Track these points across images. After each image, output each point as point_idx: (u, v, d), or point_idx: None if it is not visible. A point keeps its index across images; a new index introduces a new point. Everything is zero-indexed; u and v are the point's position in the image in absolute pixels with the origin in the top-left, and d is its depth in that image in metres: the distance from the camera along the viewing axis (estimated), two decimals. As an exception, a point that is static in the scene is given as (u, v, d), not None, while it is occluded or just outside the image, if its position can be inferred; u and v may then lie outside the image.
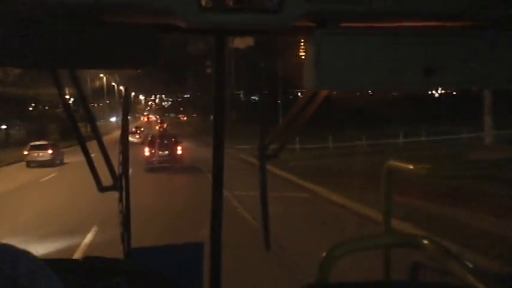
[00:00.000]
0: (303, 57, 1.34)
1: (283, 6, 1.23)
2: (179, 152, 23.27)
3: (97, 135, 1.99)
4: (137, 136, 42.76)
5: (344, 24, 1.33)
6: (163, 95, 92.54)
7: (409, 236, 1.70)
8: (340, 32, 1.29)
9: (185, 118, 70.71)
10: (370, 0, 1.26)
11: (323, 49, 1.25)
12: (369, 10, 1.27)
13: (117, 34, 1.27)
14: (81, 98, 1.87)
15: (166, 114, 74.51)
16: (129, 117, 2.05)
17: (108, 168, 1.93)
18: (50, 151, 30.75)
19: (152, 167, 22.71)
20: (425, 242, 1.68)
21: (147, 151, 23.59)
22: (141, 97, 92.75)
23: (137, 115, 70.36)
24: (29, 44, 1.22)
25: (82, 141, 1.93)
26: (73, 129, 1.87)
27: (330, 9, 1.26)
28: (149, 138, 24.91)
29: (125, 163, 1.99)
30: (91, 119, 1.95)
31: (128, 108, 2.07)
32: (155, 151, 23.38)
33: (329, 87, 1.33)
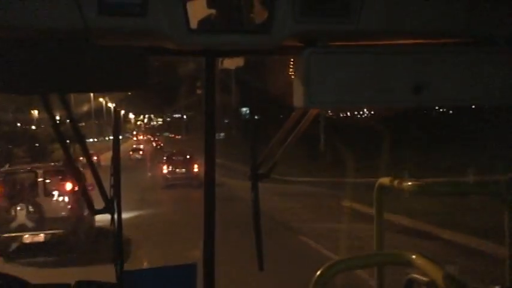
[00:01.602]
0: (292, 76, 1.35)
1: (271, 27, 1.24)
2: (196, 169, 23.34)
3: (88, 157, 1.97)
4: (140, 153, 44.86)
5: (332, 43, 1.34)
6: (152, 115, 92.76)
7: (401, 254, 1.69)
8: (328, 51, 1.30)
9: (178, 137, 71.23)
10: (358, 20, 1.28)
11: (312, 68, 1.25)
12: (356, 29, 1.29)
13: (107, 57, 1.27)
14: (71, 121, 1.86)
15: (158, 134, 74.55)
16: (120, 137, 2.04)
17: (100, 190, 1.91)
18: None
19: (170, 184, 22.93)
20: (417, 258, 1.68)
21: (165, 169, 23.79)
22: (131, 116, 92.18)
23: (127, 134, 69.63)
24: (19, 69, 1.22)
25: (73, 166, 1.91)
26: (65, 154, 1.86)
27: (318, 29, 1.28)
28: (166, 156, 25.07)
29: (116, 186, 1.97)
30: (82, 142, 1.94)
31: (118, 129, 2.06)
32: (173, 169, 23.74)
33: (319, 105, 1.34)
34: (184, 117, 72.40)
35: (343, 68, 1.28)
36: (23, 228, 10.38)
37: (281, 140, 2.10)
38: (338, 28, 1.28)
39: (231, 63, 1.87)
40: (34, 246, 10.48)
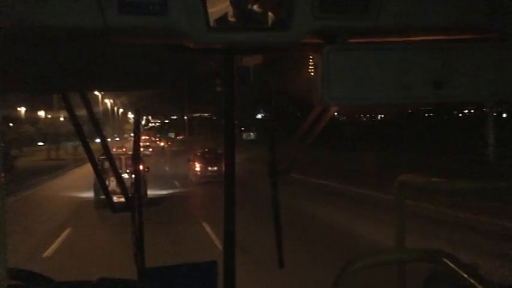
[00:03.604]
0: (312, 73, 1.35)
1: (291, 24, 1.24)
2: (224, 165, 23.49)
3: (108, 155, 2.00)
4: (150, 149, 47.63)
5: (352, 40, 1.34)
6: (149, 117, 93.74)
7: (425, 250, 1.68)
8: (348, 47, 1.30)
9: (180, 137, 72.07)
10: (377, 16, 1.27)
11: (331, 65, 1.25)
12: (376, 25, 1.28)
13: (128, 56, 1.29)
14: (93, 120, 1.88)
15: (158, 135, 74.85)
16: (117, 139, 2.06)
17: (121, 188, 1.94)
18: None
19: (203, 181, 23.44)
20: (442, 255, 1.66)
21: (197, 167, 24.45)
22: (130, 115, 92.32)
23: (125, 135, 68.97)
24: (40, 68, 1.24)
25: (94, 163, 1.94)
26: (86, 152, 1.88)
27: (337, 25, 1.27)
28: (198, 154, 25.49)
29: (137, 183, 1.99)
30: (102, 140, 1.97)
31: (138, 132, 2.08)
32: (205, 166, 24.26)
33: (338, 103, 1.34)
34: (185, 118, 72.90)
35: (363, 65, 1.27)
36: (113, 193, 12.14)
37: (300, 137, 2.10)
38: (357, 24, 1.28)
39: (249, 61, 1.88)
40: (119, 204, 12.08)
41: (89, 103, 1.73)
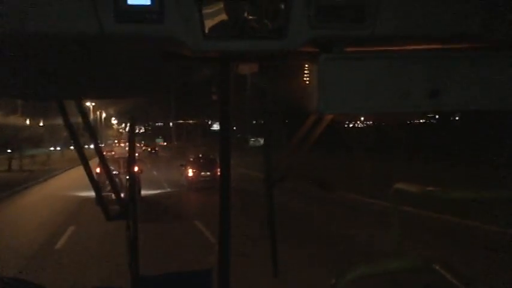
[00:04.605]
0: (307, 82, 1.35)
1: (287, 32, 1.24)
2: (219, 173, 23.13)
3: (104, 161, 1.99)
4: (136, 155, 46.63)
5: (348, 49, 1.34)
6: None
7: (421, 260, 1.67)
8: (344, 56, 1.30)
9: (164, 144, 72.30)
10: (373, 25, 1.27)
11: (327, 74, 1.25)
12: (372, 34, 1.28)
13: (123, 63, 1.28)
14: (88, 127, 1.87)
15: (142, 142, 74.74)
16: (102, 145, 2.06)
17: (115, 195, 1.93)
18: None
19: (195, 187, 23.20)
20: (438, 266, 1.66)
21: (190, 172, 23.95)
22: (114, 121, 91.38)
23: (109, 141, 67.60)
24: (35, 76, 1.23)
25: (89, 172, 1.93)
26: (81, 159, 1.88)
27: (333, 34, 1.27)
28: (191, 159, 25.29)
29: (132, 192, 1.99)
30: (98, 149, 1.96)
31: (133, 138, 2.08)
32: (198, 172, 23.82)
33: (333, 111, 1.34)
34: (171, 124, 73.13)
35: (359, 74, 1.27)
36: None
37: (295, 146, 2.10)
38: (353, 34, 1.28)
39: (245, 69, 1.88)
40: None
41: (84, 111, 1.73)
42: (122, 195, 2.11)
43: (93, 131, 2.00)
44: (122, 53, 1.28)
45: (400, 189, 1.99)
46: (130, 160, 2.06)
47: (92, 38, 1.19)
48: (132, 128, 2.19)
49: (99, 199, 1.98)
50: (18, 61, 1.23)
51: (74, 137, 1.85)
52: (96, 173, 2.40)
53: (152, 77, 1.30)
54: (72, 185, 23.75)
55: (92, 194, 2.22)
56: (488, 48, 1.36)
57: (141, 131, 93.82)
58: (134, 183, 2.02)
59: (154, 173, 32.13)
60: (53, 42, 1.20)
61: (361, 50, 1.35)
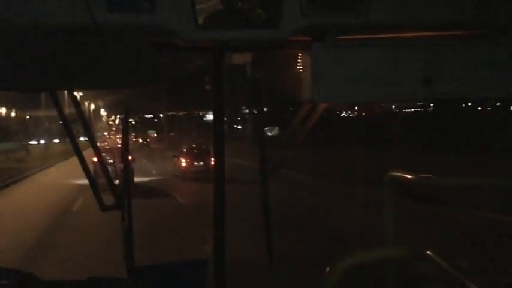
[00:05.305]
0: (301, 70, 1.35)
1: (279, 21, 1.24)
2: (213, 162, 22.95)
3: (98, 153, 1.98)
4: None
5: (341, 37, 1.34)
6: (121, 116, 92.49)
7: (414, 248, 1.69)
8: (337, 44, 1.30)
9: (155, 135, 72.33)
10: (366, 13, 1.27)
11: (320, 62, 1.25)
12: (365, 22, 1.28)
13: (116, 54, 1.28)
14: (81, 118, 1.86)
15: (133, 134, 74.22)
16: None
17: (110, 186, 1.92)
18: None
19: (188, 177, 22.88)
20: (431, 253, 1.67)
21: (183, 162, 23.68)
22: (103, 112, 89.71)
23: (98, 134, 65.75)
24: (28, 67, 1.23)
25: (83, 162, 1.92)
26: (74, 150, 1.87)
27: (326, 23, 1.27)
28: (184, 149, 25.15)
29: (126, 183, 1.98)
30: (92, 138, 1.95)
31: (127, 129, 2.07)
32: (191, 162, 23.53)
33: (327, 100, 1.34)
34: (161, 116, 72.68)
35: (352, 62, 1.27)
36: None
37: (289, 135, 2.10)
38: (346, 22, 1.28)
39: (239, 59, 1.87)
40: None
41: (77, 102, 1.72)
42: (117, 181, 2.10)
43: (87, 121, 2.00)
44: (114, 43, 1.27)
45: (394, 176, 1.99)
46: (124, 150, 2.06)
47: (84, 28, 1.18)
48: (126, 118, 2.18)
49: (94, 190, 1.98)
50: (9, 52, 1.22)
51: (68, 128, 1.84)
52: (93, 162, 2.40)
53: (146, 67, 1.29)
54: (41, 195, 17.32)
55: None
56: (480, 36, 1.36)
57: (132, 123, 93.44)
58: (128, 174, 2.02)
59: (145, 161, 31.51)
60: (44, 32, 1.20)
61: (354, 37, 1.35)
